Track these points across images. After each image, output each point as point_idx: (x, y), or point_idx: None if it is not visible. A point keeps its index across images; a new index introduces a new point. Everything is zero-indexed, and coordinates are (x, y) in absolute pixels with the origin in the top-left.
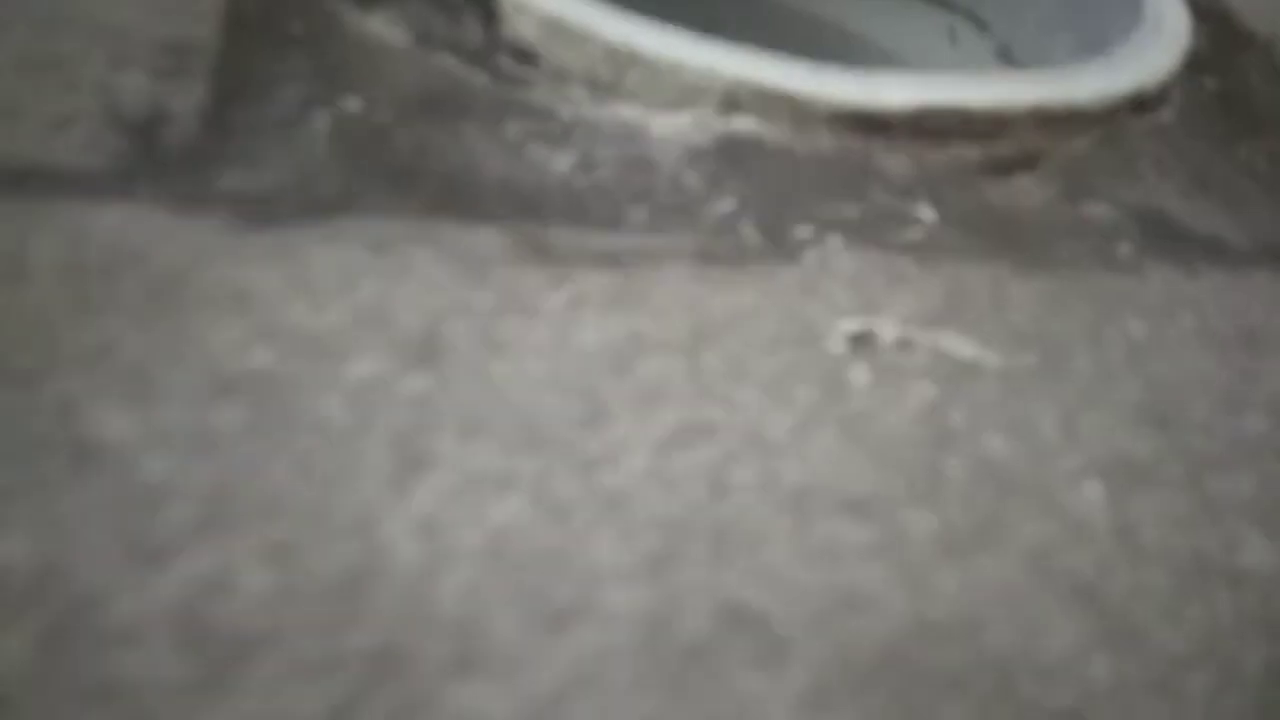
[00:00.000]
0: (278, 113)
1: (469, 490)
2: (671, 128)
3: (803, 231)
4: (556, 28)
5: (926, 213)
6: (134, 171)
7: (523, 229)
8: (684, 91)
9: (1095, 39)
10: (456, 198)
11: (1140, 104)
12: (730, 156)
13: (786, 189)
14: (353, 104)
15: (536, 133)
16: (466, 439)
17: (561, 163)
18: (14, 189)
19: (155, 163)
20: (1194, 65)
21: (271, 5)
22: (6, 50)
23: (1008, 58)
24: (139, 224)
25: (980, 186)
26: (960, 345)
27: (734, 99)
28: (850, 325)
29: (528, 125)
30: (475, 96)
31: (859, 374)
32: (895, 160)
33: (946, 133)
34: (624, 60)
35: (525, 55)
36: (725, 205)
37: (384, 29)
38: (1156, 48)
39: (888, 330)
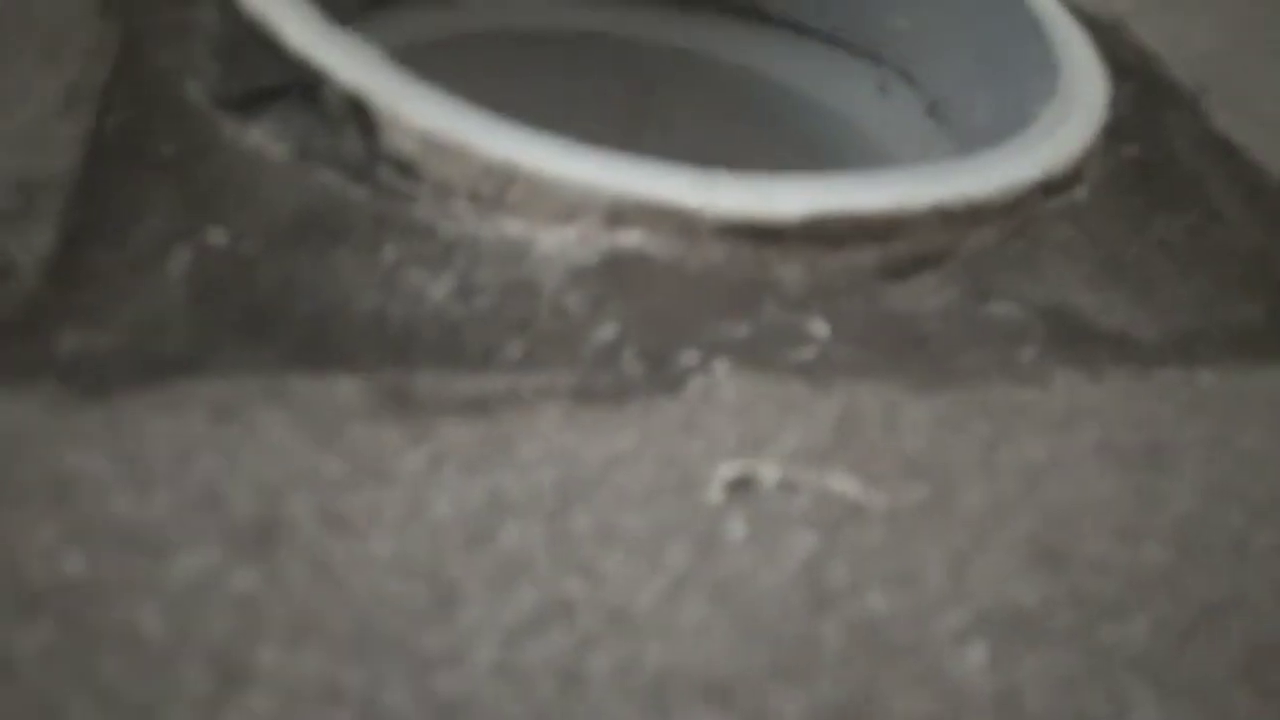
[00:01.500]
0: (132, 254)
1: (287, 712)
2: (556, 244)
3: (688, 357)
4: (435, 142)
5: (821, 327)
6: None
7: (386, 376)
8: (568, 206)
9: (1016, 99)
10: (318, 343)
11: (1050, 188)
12: (616, 274)
13: (674, 308)
14: (218, 236)
15: (415, 255)
16: (294, 645)
17: (439, 289)
18: None
19: None
20: (1113, 132)
21: (143, 125)
22: None
23: (936, 113)
24: None
25: (880, 292)
26: (846, 484)
27: (619, 213)
28: (730, 469)
29: (406, 247)
30: (354, 215)
31: (736, 526)
32: (789, 269)
33: (843, 237)
34: (505, 176)
35: (406, 169)
36: (608, 331)
37: (264, 142)
38: (1069, 124)
39: (770, 472)
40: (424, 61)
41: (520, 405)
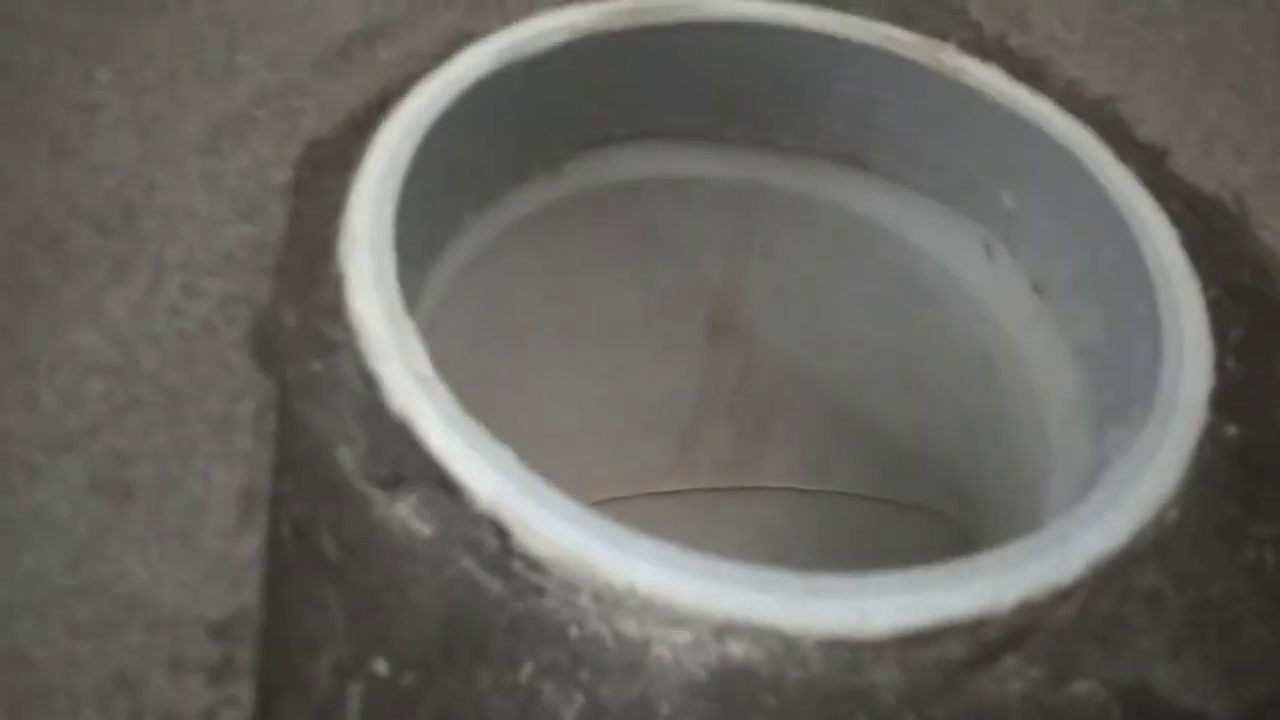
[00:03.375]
0: (316, 706)
1: None
2: (669, 653)
3: None
4: (562, 554)
5: None
6: None
7: None
8: (681, 618)
9: (1117, 314)
10: None
11: (1136, 550)
12: (723, 688)
13: None
14: (381, 667)
15: (547, 667)
16: None
17: (569, 714)
18: None
19: None
20: (1215, 407)
21: (309, 516)
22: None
23: (1042, 294)
24: None
25: (965, 683)
26: None
27: (727, 628)
28: None
29: (539, 657)
30: (493, 614)
31: None
32: (883, 671)
33: (933, 637)
34: (625, 588)
35: (537, 567)
36: None
37: (411, 523)
38: (1161, 460)
39: None
40: (545, 225)
41: None
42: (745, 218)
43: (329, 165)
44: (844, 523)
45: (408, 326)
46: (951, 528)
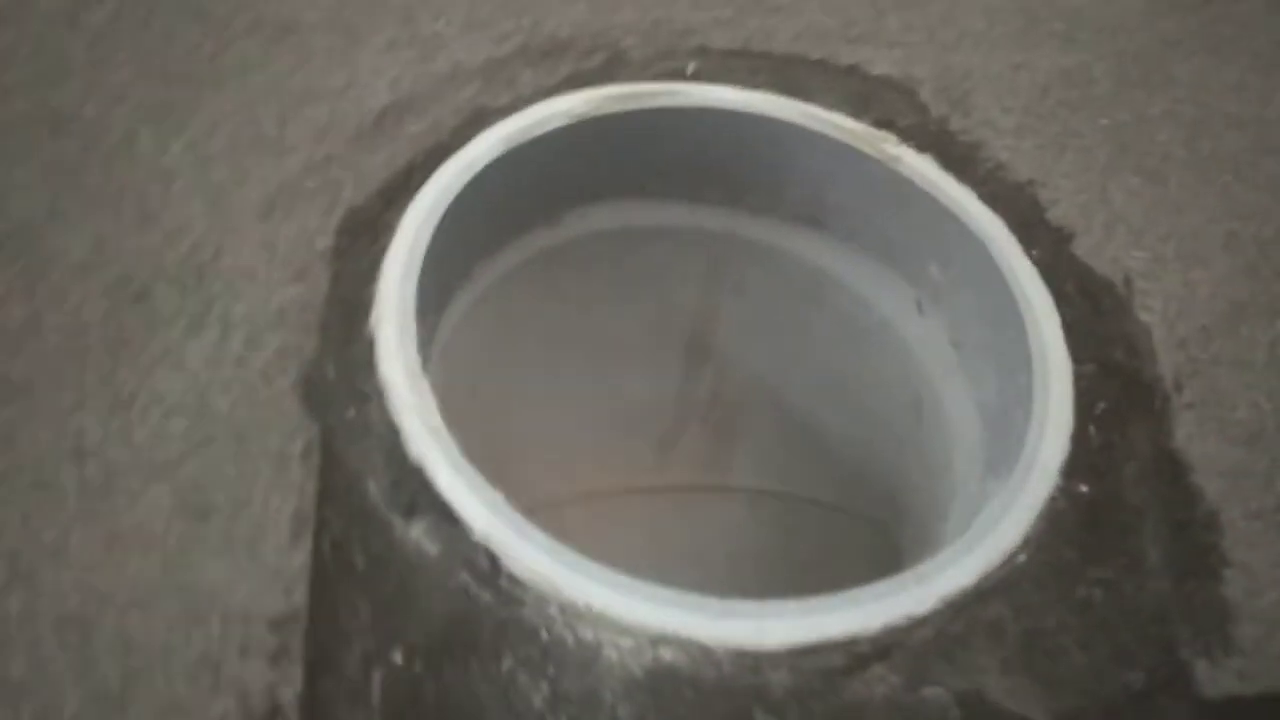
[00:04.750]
0: (349, 685)
1: None
2: (616, 653)
3: None
4: (536, 577)
5: None
6: None
7: None
8: (626, 629)
9: (1006, 382)
10: None
11: (984, 588)
12: (654, 686)
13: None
14: (397, 656)
15: (523, 661)
16: None
17: (538, 698)
18: None
19: None
20: (1070, 471)
21: (344, 536)
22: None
23: (956, 344)
24: None
25: (840, 687)
26: None
27: (661, 638)
28: None
29: (516, 653)
30: (483, 618)
31: None
32: (778, 675)
33: (816, 650)
34: (584, 605)
35: (517, 584)
36: None
37: (422, 542)
38: (1016, 513)
39: None
40: (542, 266)
41: None
42: (718, 261)
43: (364, 233)
44: (797, 523)
45: (424, 386)
46: (887, 535)
